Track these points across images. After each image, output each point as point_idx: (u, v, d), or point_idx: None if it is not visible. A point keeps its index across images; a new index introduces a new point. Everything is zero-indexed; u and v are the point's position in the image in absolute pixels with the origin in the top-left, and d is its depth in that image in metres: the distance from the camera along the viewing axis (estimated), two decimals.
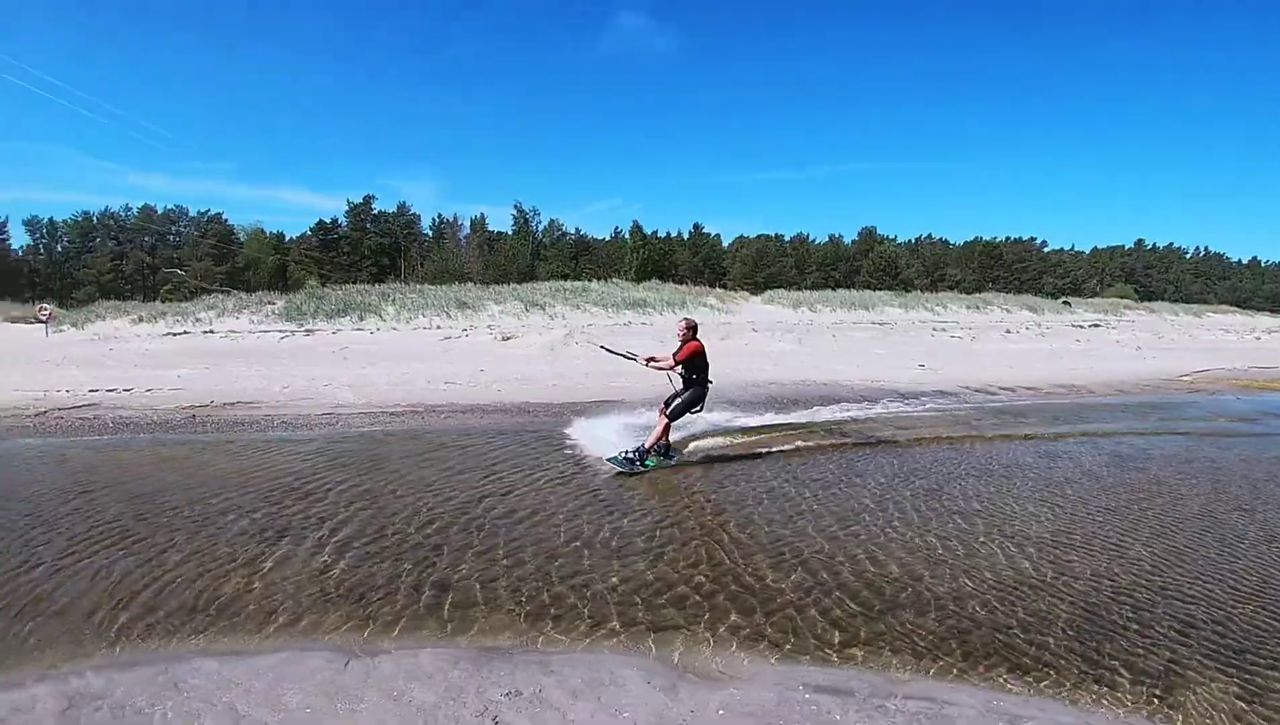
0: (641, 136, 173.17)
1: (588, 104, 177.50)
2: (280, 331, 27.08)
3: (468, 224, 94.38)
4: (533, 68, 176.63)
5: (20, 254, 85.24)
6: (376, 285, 42.49)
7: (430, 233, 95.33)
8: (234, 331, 27.85)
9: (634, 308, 38.36)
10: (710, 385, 10.91)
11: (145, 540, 7.66)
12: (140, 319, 31.45)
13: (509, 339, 26.65)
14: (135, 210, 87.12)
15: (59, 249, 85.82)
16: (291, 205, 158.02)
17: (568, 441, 11.96)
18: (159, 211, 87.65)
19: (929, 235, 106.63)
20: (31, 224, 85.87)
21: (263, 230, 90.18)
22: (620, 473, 10.06)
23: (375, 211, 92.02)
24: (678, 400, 10.66)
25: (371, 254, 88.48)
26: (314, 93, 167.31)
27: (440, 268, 77.04)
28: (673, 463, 10.81)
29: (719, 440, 12.27)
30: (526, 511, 8.45)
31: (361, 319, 31.45)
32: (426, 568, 6.82)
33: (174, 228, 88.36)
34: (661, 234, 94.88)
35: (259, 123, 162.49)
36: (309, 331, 26.74)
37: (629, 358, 11.83)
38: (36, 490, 9.55)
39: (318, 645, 5.47)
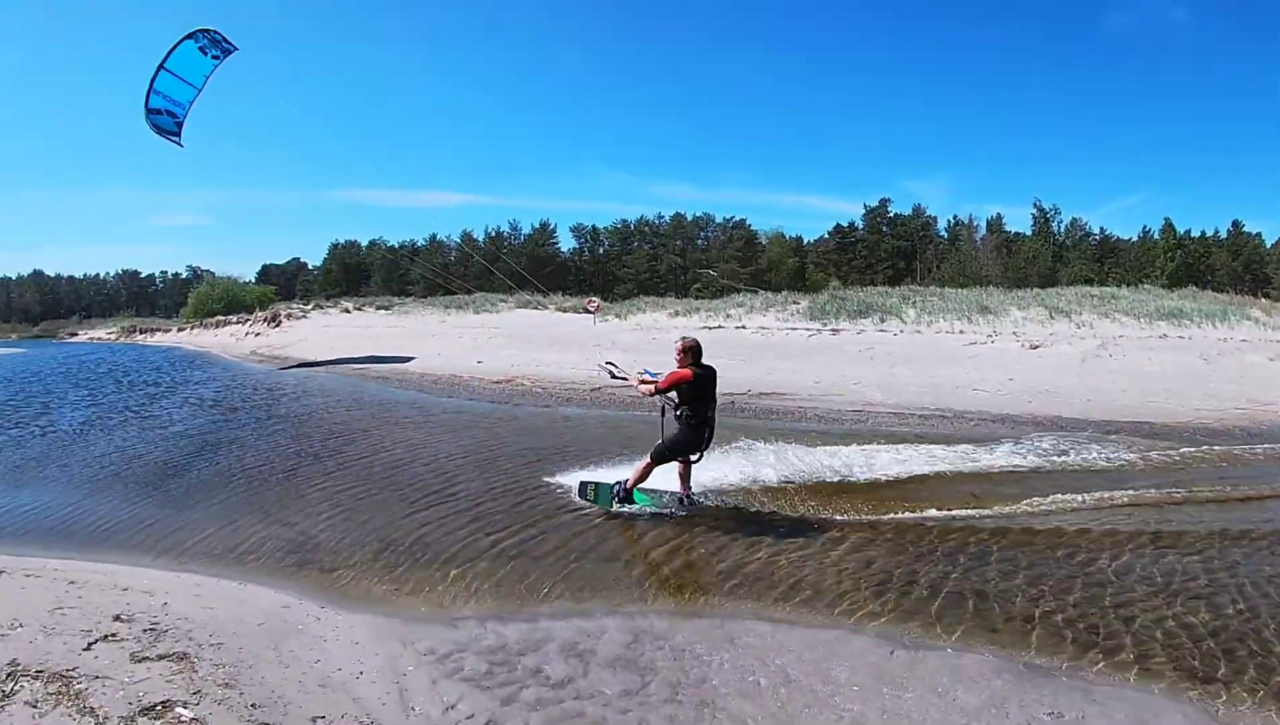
0: (1165, 121, 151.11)
1: (1098, 89, 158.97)
2: (807, 329, 27.95)
3: (983, 225, 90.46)
4: (1034, 55, 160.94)
5: (567, 255, 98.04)
6: (895, 287, 42.36)
7: (945, 235, 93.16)
8: (763, 328, 29.29)
9: (1168, 318, 33.62)
10: (706, 424, 8.58)
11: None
12: (677, 313, 34.30)
13: (1036, 347, 24.91)
14: (667, 217, 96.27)
15: (600, 251, 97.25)
16: (809, 209, 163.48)
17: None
18: (688, 219, 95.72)
19: None
20: (577, 230, 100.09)
21: (783, 234, 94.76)
22: (610, 511, 8.68)
23: (891, 214, 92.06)
24: (659, 441, 8.67)
25: (888, 257, 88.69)
26: (827, 97, 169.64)
27: (957, 271, 74.57)
28: (679, 513, 8.71)
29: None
30: (1069, 534, 7.77)
31: (883, 321, 31.41)
32: (967, 575, 6.67)
33: (702, 233, 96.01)
34: (1194, 233, 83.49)
35: (775, 132, 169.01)
36: (834, 331, 27.26)
37: (622, 379, 9.77)
38: (587, 449, 11.20)
39: (865, 629, 5.65)
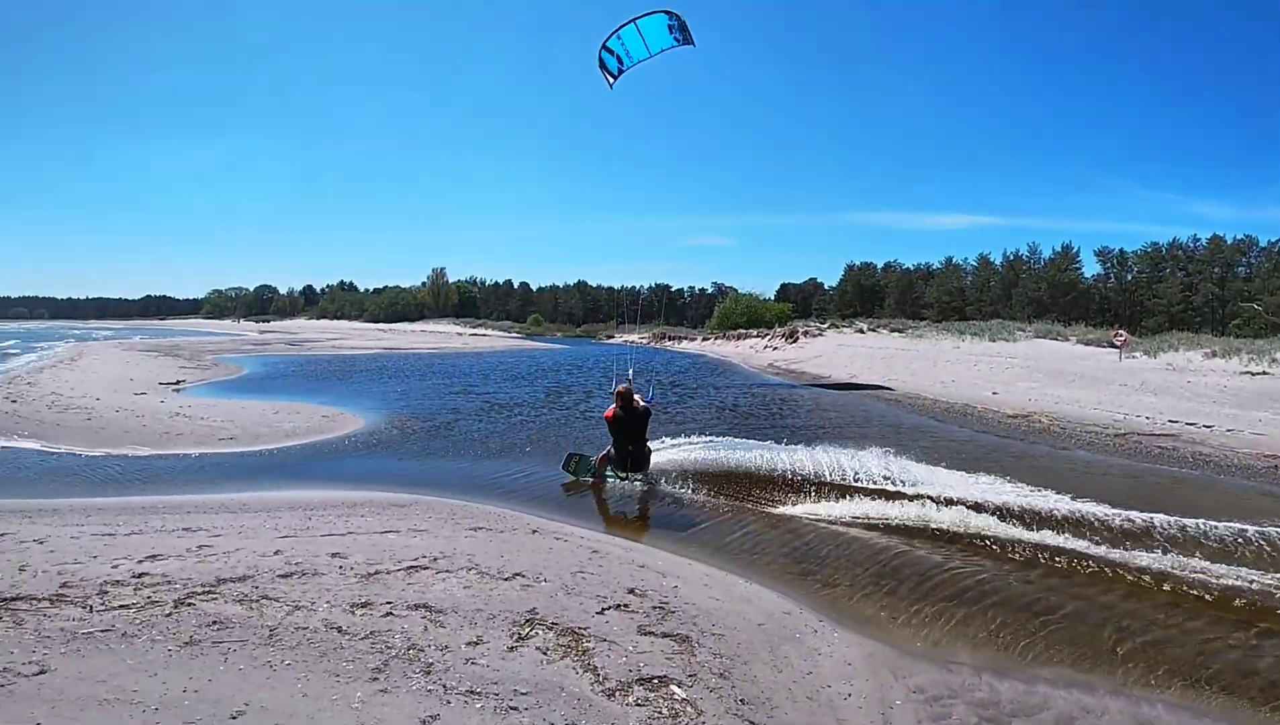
0: None
1: None
2: None
3: None
4: None
5: (1090, 281, 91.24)
6: None
7: None
8: None
9: None
10: (627, 454, 11.51)
11: None
12: (1213, 353, 31.12)
13: None
14: (1203, 241, 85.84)
15: (1128, 278, 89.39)
16: None
17: None
18: (1227, 242, 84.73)
19: None
20: (1102, 254, 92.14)
21: None
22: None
23: None
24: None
25: None
26: None
27: None
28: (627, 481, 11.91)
29: None
30: None
31: None
32: None
33: (1243, 259, 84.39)
34: None
35: None
36: None
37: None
38: (1104, 502, 10.38)
39: None
